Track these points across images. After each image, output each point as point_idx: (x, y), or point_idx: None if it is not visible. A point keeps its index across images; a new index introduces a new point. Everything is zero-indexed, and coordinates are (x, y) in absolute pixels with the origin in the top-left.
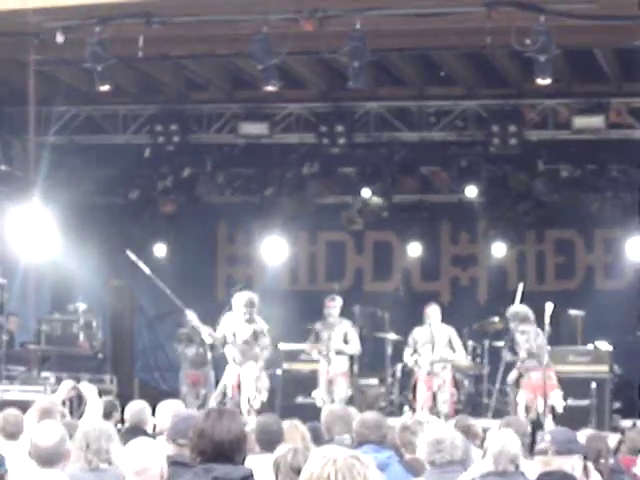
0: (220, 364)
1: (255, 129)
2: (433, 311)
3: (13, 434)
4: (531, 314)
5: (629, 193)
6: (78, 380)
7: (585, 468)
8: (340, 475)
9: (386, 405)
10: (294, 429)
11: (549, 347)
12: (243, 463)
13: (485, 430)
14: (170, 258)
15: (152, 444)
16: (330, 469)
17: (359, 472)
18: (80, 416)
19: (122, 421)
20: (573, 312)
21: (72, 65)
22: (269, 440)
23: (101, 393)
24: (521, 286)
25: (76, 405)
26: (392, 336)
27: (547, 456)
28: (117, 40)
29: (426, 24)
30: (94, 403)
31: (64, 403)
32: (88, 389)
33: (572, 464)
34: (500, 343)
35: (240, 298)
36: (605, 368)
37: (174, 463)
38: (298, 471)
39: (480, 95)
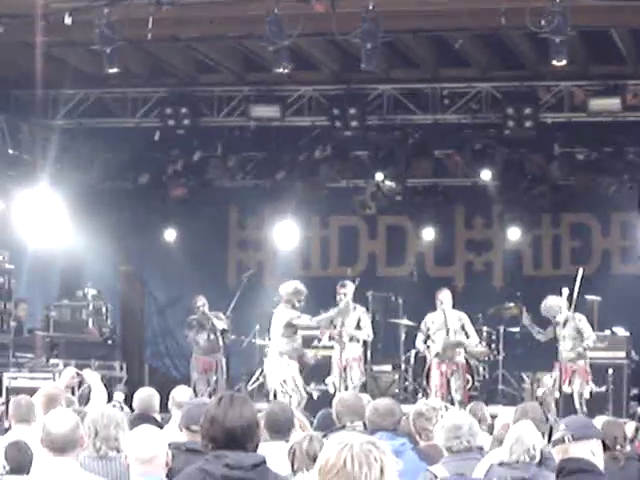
0: (232, 350)
1: (266, 112)
2: (445, 296)
3: (25, 419)
4: None
5: None
6: (82, 367)
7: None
8: (356, 461)
9: (400, 392)
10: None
11: None
12: (255, 450)
13: (493, 417)
14: (180, 243)
15: (156, 432)
16: (346, 455)
17: (376, 458)
18: (85, 403)
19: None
20: (589, 297)
21: (80, 47)
22: (277, 428)
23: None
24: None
25: (85, 393)
26: (406, 322)
27: (565, 444)
28: (126, 22)
29: (440, 5)
30: (98, 390)
31: (74, 390)
32: (91, 376)
33: (591, 449)
34: (515, 329)
35: (287, 287)
36: (622, 354)
37: (187, 450)
38: (314, 457)
39: (495, 77)
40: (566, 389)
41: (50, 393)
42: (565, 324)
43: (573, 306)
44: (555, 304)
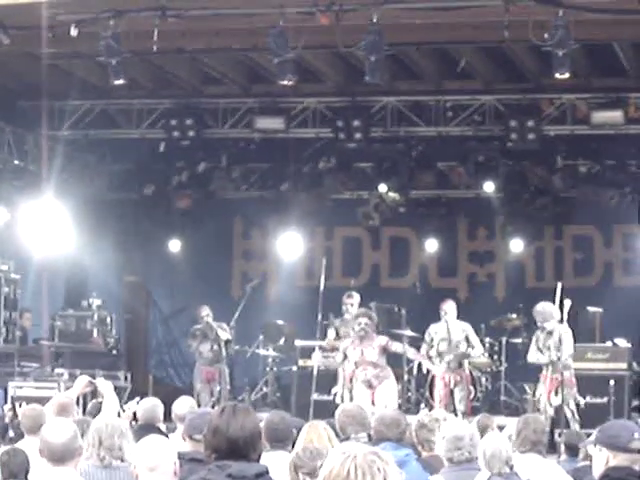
0: (236, 361)
1: (271, 124)
2: (449, 307)
3: (33, 430)
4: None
5: None
6: (93, 376)
7: None
8: (360, 471)
9: (402, 403)
10: (312, 428)
11: None
12: (258, 460)
13: (501, 428)
14: (185, 253)
15: (165, 441)
16: (350, 465)
17: (379, 468)
18: (97, 413)
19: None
20: (591, 309)
21: (86, 59)
22: (276, 438)
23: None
24: (560, 285)
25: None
26: (409, 333)
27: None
28: (132, 34)
29: (444, 18)
30: (110, 399)
31: (79, 399)
32: (104, 385)
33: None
34: (518, 340)
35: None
36: (623, 365)
37: (191, 460)
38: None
39: (498, 90)
40: (553, 400)
41: (61, 403)
42: (552, 333)
43: (561, 317)
44: (552, 310)
